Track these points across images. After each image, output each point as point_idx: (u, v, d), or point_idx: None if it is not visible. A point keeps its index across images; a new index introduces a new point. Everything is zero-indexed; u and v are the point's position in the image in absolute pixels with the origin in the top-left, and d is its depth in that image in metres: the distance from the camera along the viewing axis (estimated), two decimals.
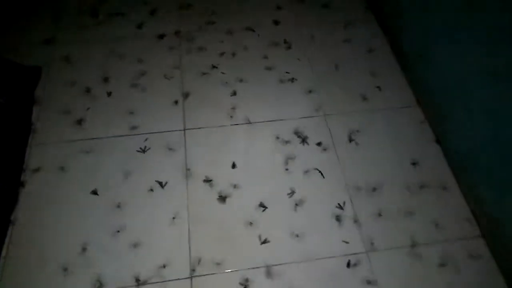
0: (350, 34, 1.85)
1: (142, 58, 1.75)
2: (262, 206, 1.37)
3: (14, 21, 1.85)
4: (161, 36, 1.83)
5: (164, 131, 1.54)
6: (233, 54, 1.77)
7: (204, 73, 1.71)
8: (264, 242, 1.29)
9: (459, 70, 1.33)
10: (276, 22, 1.90)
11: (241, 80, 1.69)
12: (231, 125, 1.56)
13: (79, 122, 1.55)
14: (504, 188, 1.19)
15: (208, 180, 1.42)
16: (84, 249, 1.26)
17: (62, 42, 1.79)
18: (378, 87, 1.68)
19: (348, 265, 1.25)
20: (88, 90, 1.63)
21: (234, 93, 1.65)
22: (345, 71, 1.73)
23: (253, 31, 1.86)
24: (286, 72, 1.72)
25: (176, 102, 1.62)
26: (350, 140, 1.53)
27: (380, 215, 1.36)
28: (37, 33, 1.81)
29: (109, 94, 1.63)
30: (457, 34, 1.32)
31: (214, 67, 1.73)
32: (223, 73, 1.71)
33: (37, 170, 1.42)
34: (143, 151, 1.48)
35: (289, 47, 1.80)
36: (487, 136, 1.24)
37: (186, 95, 1.63)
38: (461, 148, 1.40)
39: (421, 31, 1.55)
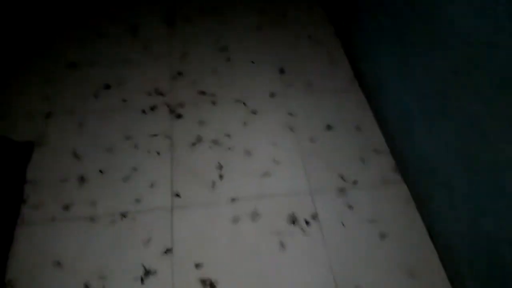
0: (337, 109, 1.91)
1: (130, 129, 1.79)
2: None
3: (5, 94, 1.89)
4: (152, 108, 1.88)
5: (152, 209, 1.56)
6: (224, 128, 1.82)
7: (193, 144, 1.75)
8: None
9: (438, 151, 1.38)
10: (272, 94, 1.96)
11: (229, 152, 1.73)
12: (218, 204, 1.59)
13: (67, 207, 1.56)
14: (485, 280, 1.22)
15: (197, 265, 1.44)
16: None
17: (56, 116, 1.83)
18: (362, 158, 1.73)
19: None
20: (80, 169, 1.66)
21: (220, 167, 1.69)
22: (331, 147, 1.77)
23: (244, 104, 1.92)
24: (273, 144, 1.77)
25: (164, 177, 1.65)
26: (337, 219, 1.56)
27: None
28: (31, 105, 1.86)
29: (101, 171, 1.66)
30: (436, 119, 1.37)
31: (200, 139, 1.77)
32: (210, 147, 1.75)
33: (24, 254, 1.43)
34: (131, 230, 1.50)
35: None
36: (467, 225, 1.28)
37: (174, 170, 1.67)
38: (443, 233, 1.43)
39: (402, 110, 1.61)
